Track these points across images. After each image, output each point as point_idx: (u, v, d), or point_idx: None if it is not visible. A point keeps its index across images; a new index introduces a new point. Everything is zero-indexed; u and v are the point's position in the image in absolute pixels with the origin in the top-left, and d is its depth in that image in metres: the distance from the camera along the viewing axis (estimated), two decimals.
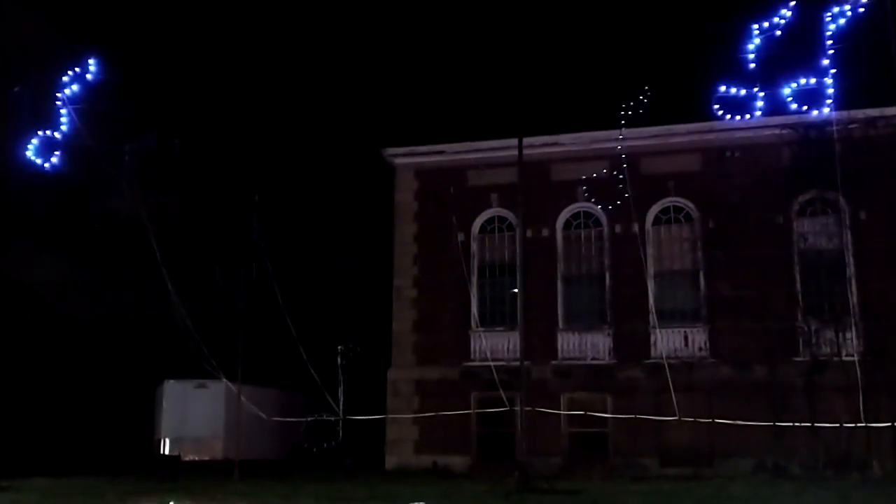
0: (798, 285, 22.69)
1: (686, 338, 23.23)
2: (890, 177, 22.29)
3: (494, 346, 24.24)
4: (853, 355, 21.65)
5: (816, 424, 20.16)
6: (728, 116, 16.52)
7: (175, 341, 32.50)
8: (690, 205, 24.02)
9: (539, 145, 24.91)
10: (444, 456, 23.41)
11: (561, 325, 24.11)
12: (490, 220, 25.46)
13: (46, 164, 15.78)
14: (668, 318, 23.39)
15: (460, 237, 25.12)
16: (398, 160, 26.18)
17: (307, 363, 21.53)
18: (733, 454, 21.49)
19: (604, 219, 24.46)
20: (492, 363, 23.62)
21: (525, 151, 25.14)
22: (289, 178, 26.95)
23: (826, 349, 21.96)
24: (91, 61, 15.95)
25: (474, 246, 25.28)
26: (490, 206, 25.36)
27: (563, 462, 22.75)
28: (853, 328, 21.87)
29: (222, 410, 28.99)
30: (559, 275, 24.47)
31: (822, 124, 22.98)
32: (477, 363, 24.20)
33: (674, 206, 24.23)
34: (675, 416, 20.90)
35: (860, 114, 22.70)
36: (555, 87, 26.38)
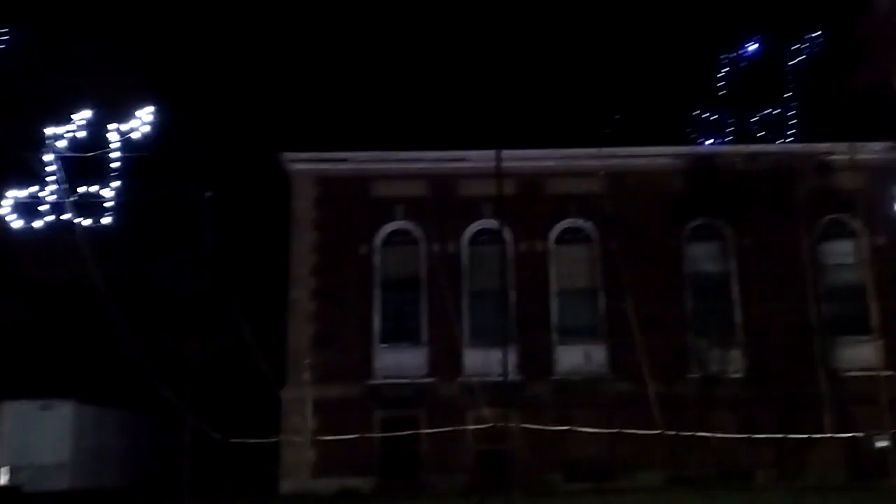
0: (689, 306, 24.11)
1: (586, 354, 23.92)
2: (770, 208, 24.36)
3: (399, 363, 23.65)
4: (738, 373, 23.47)
5: (717, 435, 21.34)
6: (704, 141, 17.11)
7: (12, 356, 28.81)
8: (590, 226, 24.83)
9: (447, 160, 24.81)
10: (345, 478, 22.43)
11: (467, 341, 23.97)
12: (394, 234, 24.84)
13: None
14: (570, 335, 24.02)
15: (362, 249, 24.34)
16: (297, 166, 24.87)
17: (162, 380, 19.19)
18: (634, 467, 22.39)
19: (509, 236, 24.65)
20: (396, 381, 23.17)
21: (432, 165, 25.12)
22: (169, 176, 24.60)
23: (714, 367, 23.50)
24: None
25: (377, 259, 24.54)
26: (394, 219, 24.75)
27: (470, 480, 22.61)
28: (738, 347, 23.62)
29: (69, 434, 26.06)
30: (465, 291, 24.33)
31: (710, 156, 24.82)
32: (380, 381, 23.47)
33: (575, 227, 24.94)
34: (578, 431, 21.57)
35: (744, 148, 24.70)
36: (467, 102, 26.27)
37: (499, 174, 18.17)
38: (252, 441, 22.12)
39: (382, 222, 24.67)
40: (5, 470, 25.70)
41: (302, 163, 24.87)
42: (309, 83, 29.07)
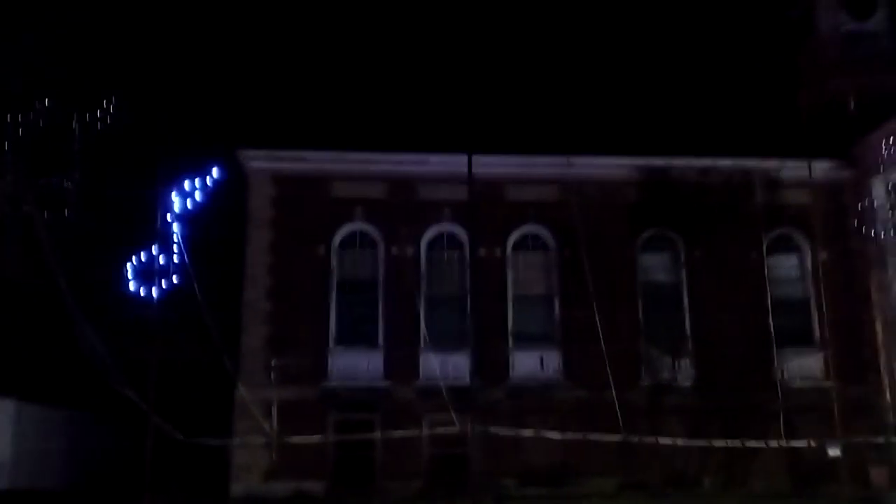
0: (640, 315, 24.52)
1: (542, 361, 24.10)
2: (719, 221, 24.98)
3: (355, 365, 23.44)
4: (688, 381, 23.98)
5: (666, 441, 21.68)
6: None
7: None
8: (547, 233, 25.06)
9: (408, 163, 24.73)
10: (298, 481, 22.12)
11: (424, 345, 23.88)
12: (352, 235, 24.63)
13: None
14: (526, 341, 24.18)
15: (320, 250, 24.07)
16: (254, 163, 24.44)
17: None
18: (587, 473, 22.63)
19: (466, 241, 24.69)
20: (352, 383, 22.98)
21: (392, 167, 24.99)
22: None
23: (665, 375, 23.96)
24: None
25: (334, 260, 24.28)
26: (353, 220, 24.54)
27: (424, 485, 22.54)
28: (688, 356, 24.13)
29: (8, 433, 25.11)
30: (422, 295, 24.25)
31: (663, 169, 25.33)
32: (336, 383, 23.21)
33: (532, 234, 25.13)
34: (533, 437, 21.69)
35: (696, 162, 25.26)
36: (431, 105, 26.21)
37: (470, 179, 18.27)
38: (214, 443, 21.57)
39: (340, 223, 24.45)
40: None
41: (259, 160, 24.46)
42: (268, 78, 28.57)
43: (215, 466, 23.15)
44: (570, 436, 20.68)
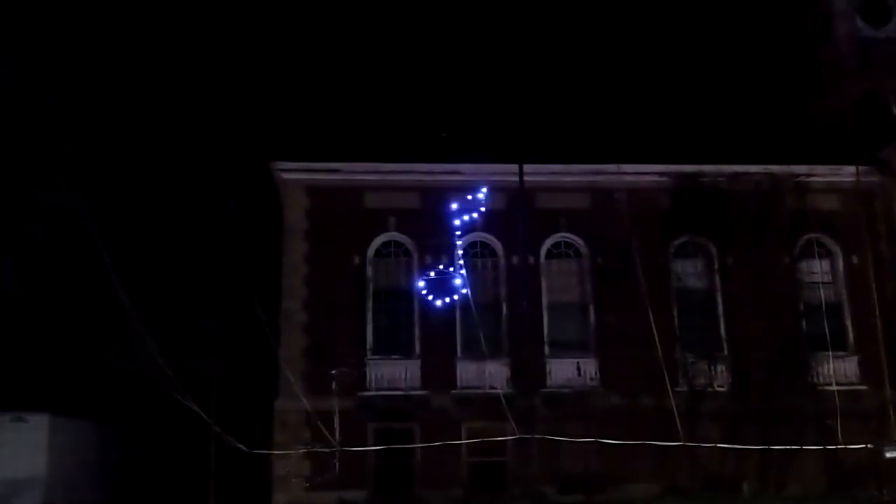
0: (675, 321, 24.62)
1: (578, 368, 24.19)
2: (750, 227, 25.16)
3: (392, 375, 23.54)
4: (723, 386, 24.08)
5: (722, 446, 21.78)
6: None
7: None
8: (580, 241, 25.20)
9: (440, 172, 24.88)
10: (339, 491, 22.16)
11: (459, 353, 23.98)
12: (387, 245, 24.77)
13: None
14: (561, 348, 24.28)
15: (355, 260, 24.21)
16: (288, 175, 24.60)
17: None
18: (625, 480, 22.69)
19: (500, 250, 24.83)
20: (389, 393, 23.09)
21: (425, 178, 25.15)
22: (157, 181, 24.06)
23: (701, 380, 24.05)
24: None
25: (370, 270, 24.41)
26: (387, 230, 24.68)
27: (464, 493, 22.60)
28: (723, 362, 24.23)
29: (43, 448, 25.13)
30: (457, 303, 24.31)
31: (694, 176, 25.50)
32: (373, 393, 23.30)
33: (565, 242, 25.27)
34: (571, 444, 21.82)
35: (726, 169, 25.44)
36: (462, 116, 26.43)
37: (522, 188, 18.64)
38: (262, 452, 21.60)
39: (374, 233, 24.58)
40: None
41: (293, 172, 24.62)
42: (301, 91, 28.79)
43: (257, 477, 23.19)
44: (617, 441, 20.83)
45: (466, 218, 20.61)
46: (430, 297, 21.79)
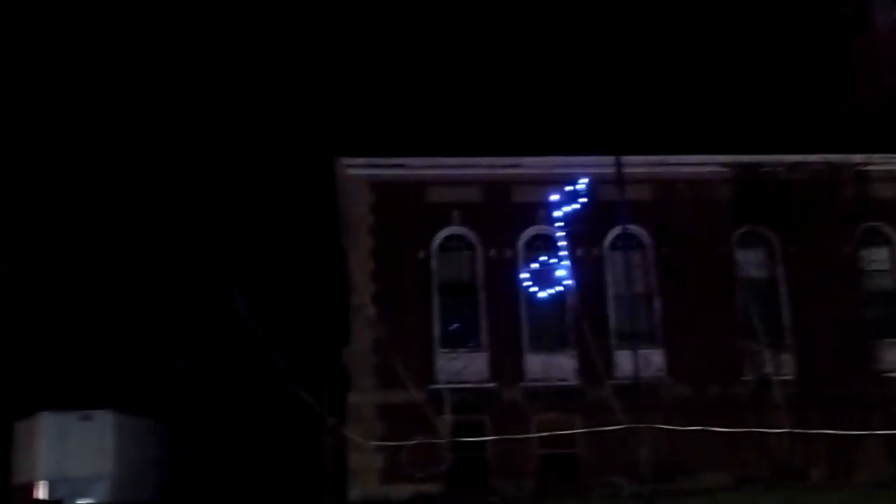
0: (739, 310, 24.72)
1: (644, 359, 24.22)
2: (811, 216, 25.25)
3: (460, 368, 23.63)
4: (789, 374, 24.19)
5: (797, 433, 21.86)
6: None
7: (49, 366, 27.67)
8: (643, 232, 25.27)
9: (501, 166, 24.99)
10: (412, 484, 22.25)
11: (527, 346, 24.07)
12: (450, 238, 24.85)
13: None
14: (628, 339, 24.34)
15: (420, 254, 24.30)
16: (353, 171, 24.67)
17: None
18: (696, 469, 22.80)
19: (564, 242, 24.88)
20: (459, 385, 23.18)
21: (487, 171, 25.27)
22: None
23: (767, 369, 24.16)
24: None
25: (434, 264, 24.50)
26: (450, 224, 24.75)
27: (536, 484, 22.72)
28: (788, 350, 24.34)
29: (110, 445, 25.34)
30: (522, 296, 24.43)
31: (755, 166, 25.60)
32: (443, 386, 23.40)
33: (629, 233, 25.31)
34: (643, 433, 21.86)
35: (785, 159, 25.53)
36: (525, 108, 26.48)
37: (620, 179, 18.61)
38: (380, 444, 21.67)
39: (438, 228, 24.65)
40: (44, 483, 24.78)
41: (357, 168, 24.70)
42: (363, 87, 28.85)
43: (331, 471, 23.32)
44: (693, 428, 20.94)
45: (568, 209, 20.49)
46: (535, 290, 22.60)
